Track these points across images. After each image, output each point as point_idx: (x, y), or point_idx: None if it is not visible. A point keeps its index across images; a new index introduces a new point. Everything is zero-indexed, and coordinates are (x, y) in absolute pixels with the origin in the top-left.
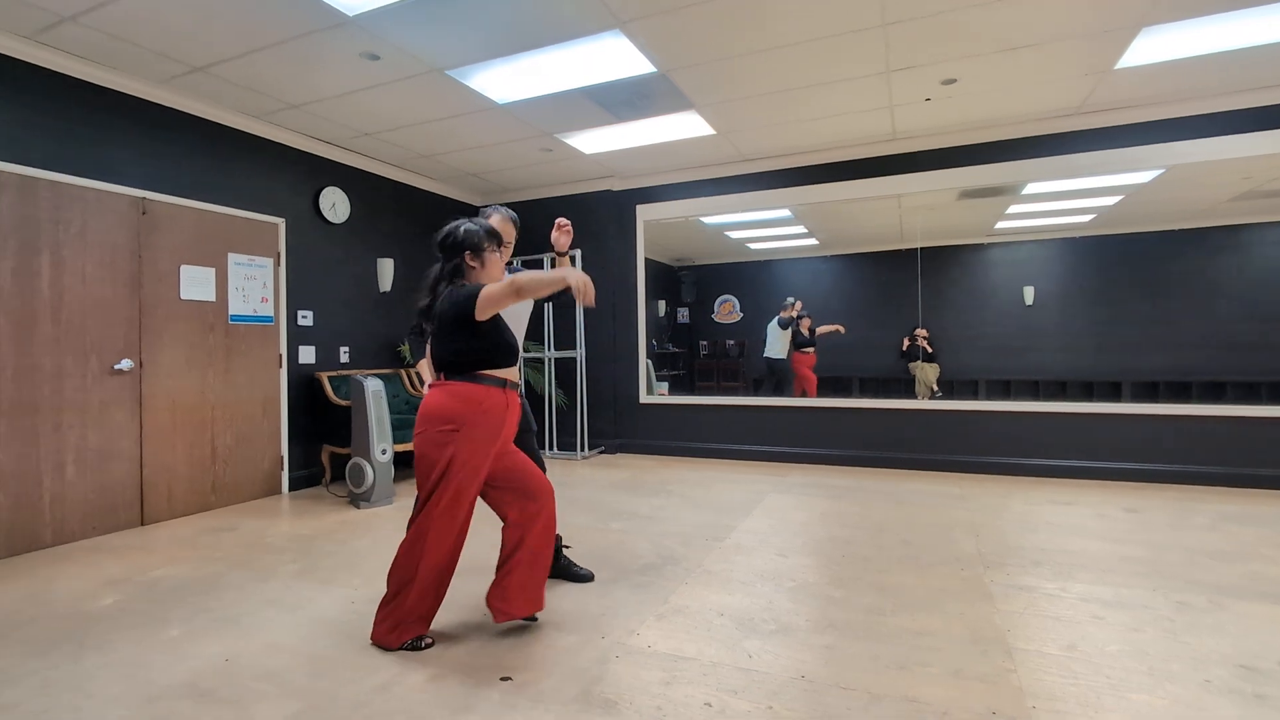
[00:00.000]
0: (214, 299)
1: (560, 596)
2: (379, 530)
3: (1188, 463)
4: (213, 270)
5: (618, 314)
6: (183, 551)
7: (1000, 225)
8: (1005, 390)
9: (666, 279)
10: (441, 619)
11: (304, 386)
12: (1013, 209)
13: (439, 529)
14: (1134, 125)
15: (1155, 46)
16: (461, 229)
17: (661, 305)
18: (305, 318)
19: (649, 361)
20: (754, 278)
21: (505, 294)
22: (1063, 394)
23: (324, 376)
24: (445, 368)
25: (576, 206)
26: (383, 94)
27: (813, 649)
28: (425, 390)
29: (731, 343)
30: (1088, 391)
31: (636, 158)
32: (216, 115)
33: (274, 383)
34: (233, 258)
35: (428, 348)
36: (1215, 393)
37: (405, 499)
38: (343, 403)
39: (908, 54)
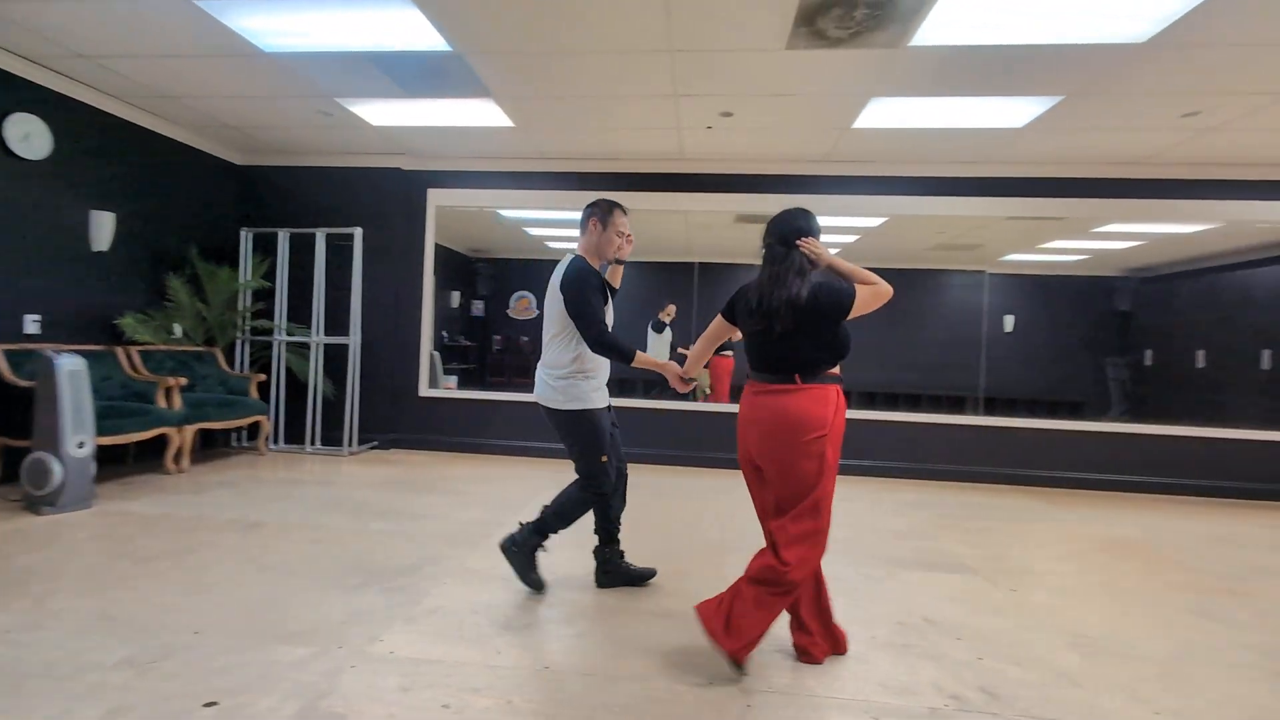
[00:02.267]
0: None
1: (298, 606)
2: (65, 540)
3: (887, 459)
4: None
5: (401, 301)
6: None
7: None
8: None
9: (462, 269)
10: (146, 641)
11: None
12: None
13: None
14: (867, 177)
15: (881, 114)
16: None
17: (455, 296)
18: None
19: (436, 353)
20: (550, 276)
21: (880, 295)
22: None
23: None
24: (802, 368)
25: (360, 181)
26: (107, 10)
27: (562, 639)
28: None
29: (526, 339)
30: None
31: (430, 138)
32: None
33: None
34: None
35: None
36: (913, 402)
37: (107, 502)
38: (24, 384)
39: (691, 82)
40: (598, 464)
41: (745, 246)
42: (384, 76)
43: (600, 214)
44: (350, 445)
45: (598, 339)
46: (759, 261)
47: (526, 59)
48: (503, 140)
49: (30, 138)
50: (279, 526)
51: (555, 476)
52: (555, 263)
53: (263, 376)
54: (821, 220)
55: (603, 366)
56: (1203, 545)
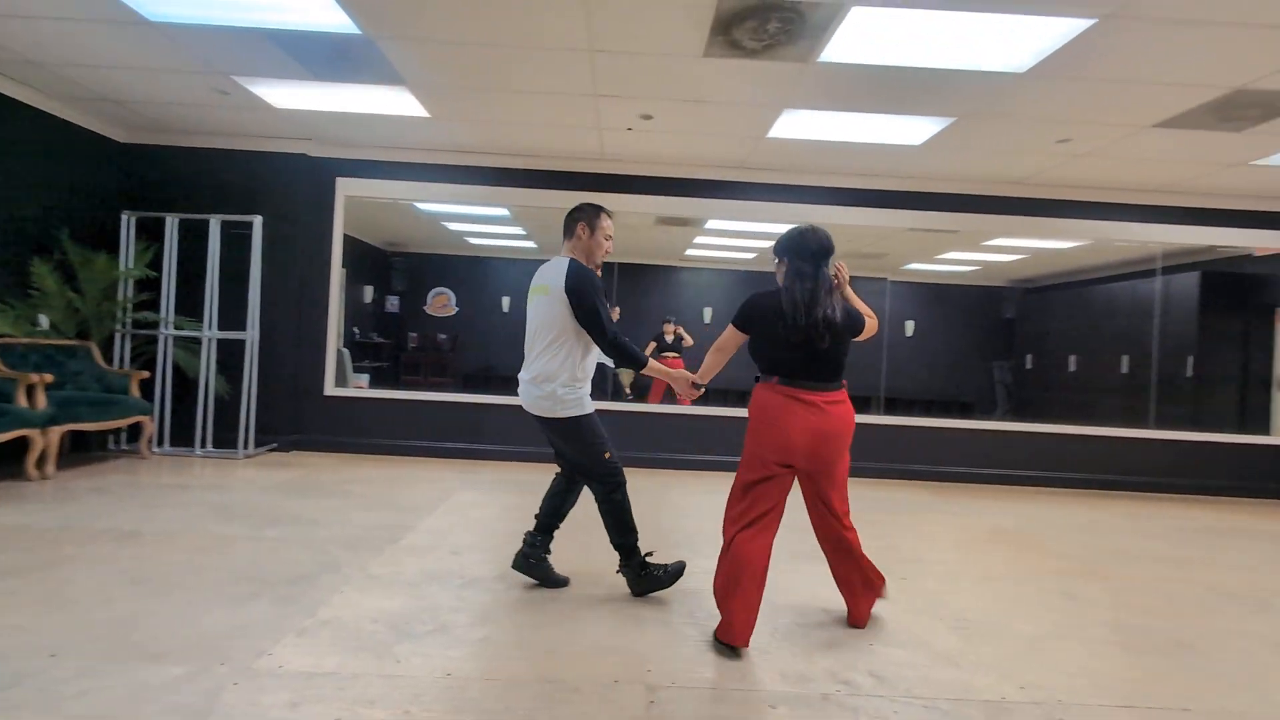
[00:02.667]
0: None
1: (175, 621)
2: None
3: None
4: None
5: (306, 295)
6: None
7: (689, 252)
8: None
9: (377, 263)
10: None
11: None
12: (698, 239)
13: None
14: (779, 185)
15: (793, 125)
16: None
17: (368, 291)
18: None
19: (345, 350)
20: (472, 273)
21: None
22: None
23: None
24: (841, 378)
25: (262, 166)
26: None
27: (466, 644)
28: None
29: (444, 337)
30: (740, 399)
31: (340, 124)
32: None
33: None
34: None
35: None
36: None
37: None
38: None
39: (611, 83)
40: (605, 460)
41: (666, 248)
42: (287, 57)
43: (588, 218)
44: (246, 447)
45: (614, 342)
46: (680, 264)
47: (443, 48)
48: (418, 131)
49: None
50: (159, 536)
51: (462, 477)
52: (479, 259)
53: (146, 374)
54: (738, 225)
55: (592, 371)
56: (1069, 533)
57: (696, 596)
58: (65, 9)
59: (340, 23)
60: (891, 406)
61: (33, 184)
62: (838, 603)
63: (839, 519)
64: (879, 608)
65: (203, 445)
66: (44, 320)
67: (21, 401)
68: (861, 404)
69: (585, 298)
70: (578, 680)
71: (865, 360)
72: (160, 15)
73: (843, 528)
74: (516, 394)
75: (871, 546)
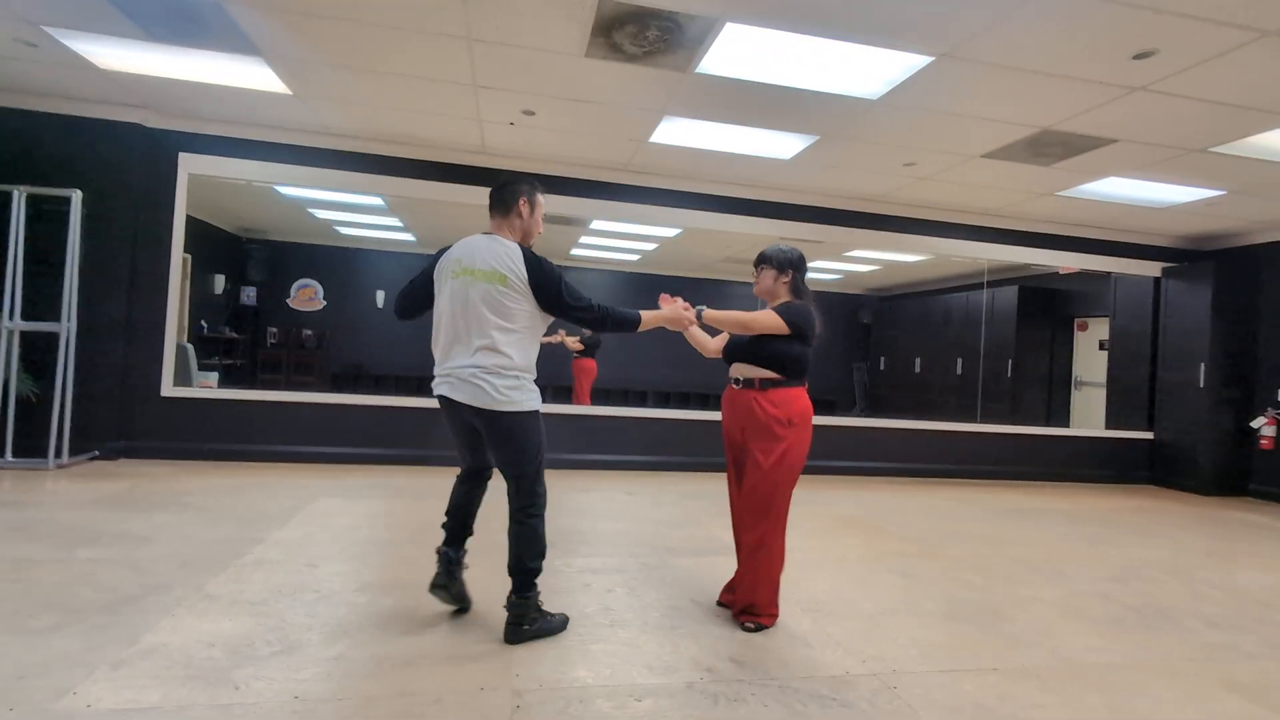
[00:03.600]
0: None
1: None
2: None
3: (672, 453)
4: None
5: (139, 283)
6: None
7: (574, 252)
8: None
9: (230, 251)
10: None
11: None
12: (584, 239)
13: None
14: (663, 190)
15: (673, 132)
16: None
17: (219, 281)
18: None
19: (188, 346)
20: (342, 264)
21: None
22: (606, 401)
23: None
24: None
25: (85, 134)
26: None
27: (317, 663)
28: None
29: (309, 333)
30: (623, 399)
31: (185, 94)
32: None
33: None
34: None
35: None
36: (683, 400)
37: None
38: None
39: (491, 75)
40: (540, 471)
41: (550, 248)
42: (115, 11)
43: (530, 194)
44: (59, 456)
45: (604, 316)
46: (566, 264)
47: (305, 20)
48: (279, 108)
49: None
50: None
51: (325, 483)
52: (351, 250)
53: None
54: (622, 227)
55: None
56: (910, 517)
57: (557, 595)
58: None
59: None
60: None
61: None
62: (707, 593)
63: None
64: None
65: (1, 454)
66: None
67: None
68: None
69: (558, 282)
70: (442, 691)
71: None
72: None
73: None
74: (382, 393)
75: (729, 538)
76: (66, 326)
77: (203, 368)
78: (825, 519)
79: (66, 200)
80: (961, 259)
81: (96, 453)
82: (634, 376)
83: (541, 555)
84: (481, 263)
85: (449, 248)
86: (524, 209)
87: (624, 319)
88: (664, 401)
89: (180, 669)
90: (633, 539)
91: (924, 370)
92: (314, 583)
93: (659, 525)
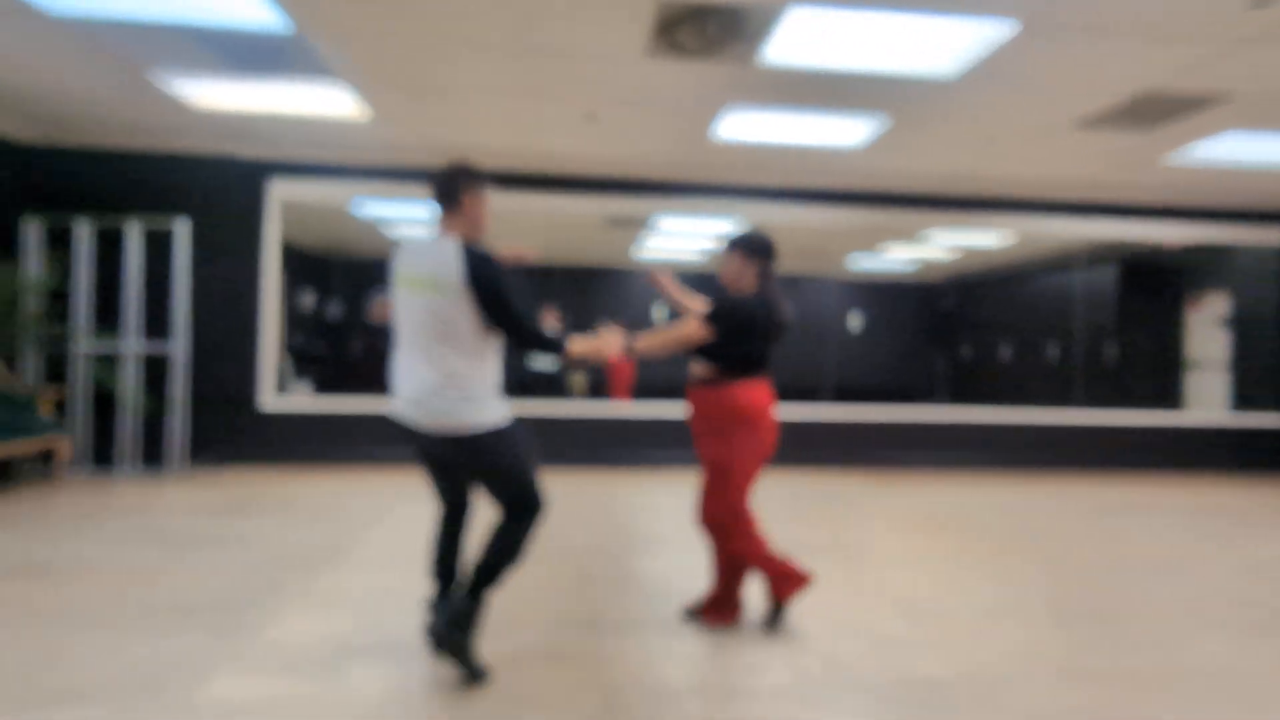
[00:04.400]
0: None
1: (93, 657)
2: None
3: None
4: None
5: (239, 302)
6: None
7: (639, 255)
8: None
9: (317, 269)
10: None
11: None
12: (648, 241)
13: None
14: (727, 186)
15: (737, 126)
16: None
17: (309, 298)
18: None
19: (286, 361)
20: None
21: None
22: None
23: None
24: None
25: (186, 169)
26: None
27: (419, 660)
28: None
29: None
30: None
31: (272, 125)
32: None
33: None
34: None
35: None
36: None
37: None
38: None
39: (555, 83)
40: (533, 480)
41: (613, 250)
42: (209, 54)
43: (473, 183)
44: (176, 466)
45: (533, 334)
46: (628, 267)
47: (380, 45)
48: (356, 132)
49: None
50: (73, 567)
51: (414, 488)
52: None
53: (57, 393)
54: (687, 224)
55: None
56: (1003, 515)
57: (665, 596)
58: None
59: (268, 19)
60: (838, 399)
61: None
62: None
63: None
64: (829, 594)
65: (127, 465)
66: None
67: None
68: (810, 396)
69: (498, 286)
70: (537, 689)
71: (811, 356)
72: (66, 10)
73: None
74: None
75: (817, 539)
76: (179, 346)
77: (297, 380)
78: (912, 516)
79: (171, 230)
80: (1052, 238)
81: (208, 461)
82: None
83: (511, 567)
84: (417, 269)
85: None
86: (469, 200)
87: (553, 342)
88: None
89: (297, 663)
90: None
91: (1012, 357)
92: (409, 583)
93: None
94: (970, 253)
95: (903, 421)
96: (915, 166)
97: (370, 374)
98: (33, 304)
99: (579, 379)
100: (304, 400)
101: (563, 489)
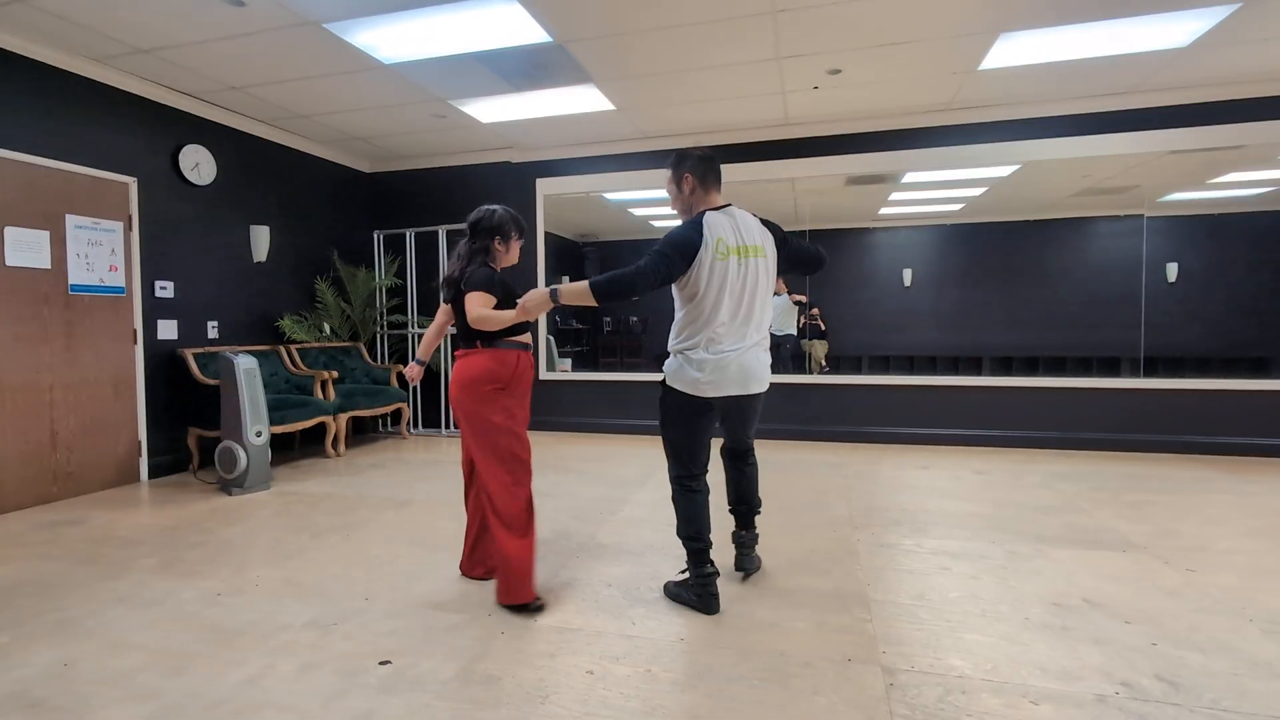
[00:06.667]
0: (48, 266)
1: (448, 577)
2: (253, 517)
3: (1029, 428)
4: (46, 234)
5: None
6: (11, 550)
7: (883, 211)
8: (885, 365)
9: (570, 255)
10: (326, 606)
11: (165, 364)
12: (894, 196)
13: (493, 476)
14: (996, 123)
15: (1012, 51)
16: (495, 214)
17: (565, 281)
18: (165, 289)
19: (550, 338)
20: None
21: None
22: (933, 368)
23: (189, 353)
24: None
25: (474, 177)
26: (250, 44)
27: (693, 613)
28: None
29: (635, 319)
30: (953, 366)
31: (536, 129)
32: (47, 56)
33: (128, 360)
34: (72, 220)
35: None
36: (1058, 366)
37: (283, 483)
38: (211, 382)
39: (796, 42)
40: None
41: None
42: (491, 74)
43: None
44: (449, 427)
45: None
46: (873, 224)
47: (625, 39)
48: (604, 124)
49: (199, 166)
50: (425, 504)
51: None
52: (657, 242)
53: (401, 367)
54: (942, 175)
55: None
56: None
57: (915, 576)
58: (324, 67)
59: (536, 35)
60: (1152, 367)
61: (311, 216)
62: (1103, 593)
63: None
64: (1157, 600)
65: (447, 426)
66: (326, 327)
67: (318, 394)
68: (1110, 366)
69: (792, 239)
70: (807, 655)
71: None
72: (393, 59)
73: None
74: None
75: (1144, 533)
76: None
77: (560, 355)
78: (1271, 514)
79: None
80: None
81: None
82: (963, 341)
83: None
84: (747, 238)
85: (699, 223)
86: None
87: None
88: (1005, 368)
89: (590, 602)
90: (993, 523)
91: None
92: (675, 542)
93: (1023, 509)
94: None
95: (1250, 391)
96: (1273, 59)
97: (620, 348)
98: (382, 298)
99: (819, 346)
100: (567, 373)
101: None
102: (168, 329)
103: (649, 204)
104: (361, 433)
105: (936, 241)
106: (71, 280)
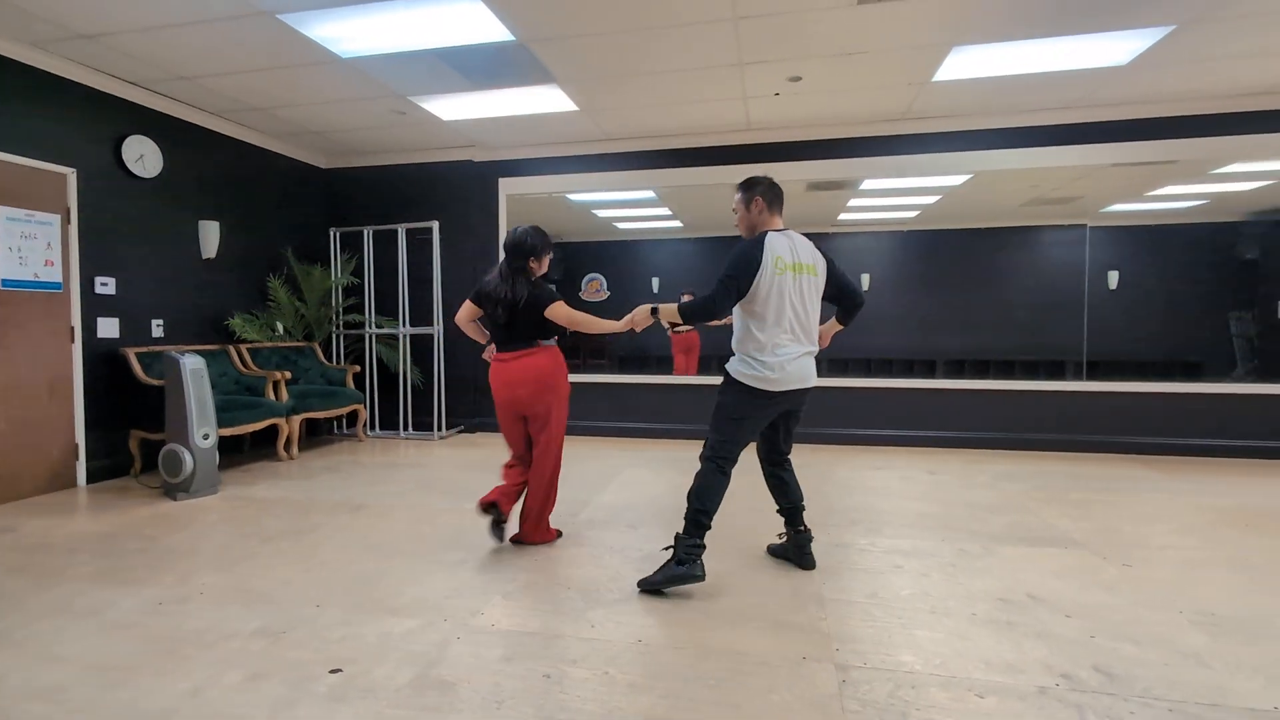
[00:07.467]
0: None
1: (404, 581)
2: (199, 522)
3: (979, 429)
4: None
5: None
6: None
7: (842, 217)
8: (844, 368)
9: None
10: (275, 613)
11: (106, 364)
12: (853, 202)
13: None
14: (949, 133)
15: (964, 64)
16: (529, 240)
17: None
18: (105, 285)
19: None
20: (620, 257)
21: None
22: (890, 371)
23: (131, 353)
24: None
25: (435, 176)
26: (201, 33)
27: (653, 614)
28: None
29: None
30: (909, 369)
31: (499, 128)
32: None
33: (64, 359)
34: (4, 211)
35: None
36: (1007, 369)
37: (231, 488)
38: (155, 382)
39: (757, 49)
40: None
41: (818, 214)
42: (452, 71)
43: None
44: (440, 430)
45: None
46: (833, 229)
47: (586, 40)
48: (568, 125)
49: (144, 158)
50: (381, 507)
51: (628, 455)
52: (627, 244)
53: (358, 368)
54: (899, 183)
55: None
56: None
57: (869, 575)
58: (280, 59)
59: (498, 34)
60: (1094, 370)
61: (264, 212)
62: (1046, 589)
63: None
64: (1096, 595)
65: (405, 429)
66: (279, 326)
67: (270, 395)
68: (1055, 370)
69: (840, 269)
70: (764, 654)
71: (1059, 321)
72: (350, 52)
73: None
74: (670, 374)
75: (1085, 530)
76: (437, 329)
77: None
78: (1209, 511)
79: (429, 230)
80: None
81: (462, 426)
82: (918, 345)
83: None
84: (803, 256)
85: (760, 243)
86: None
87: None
88: (958, 371)
89: (549, 604)
90: (943, 522)
91: None
92: (636, 543)
93: (972, 508)
94: None
95: (1186, 395)
96: (1206, 81)
97: (583, 348)
98: (338, 298)
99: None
100: None
101: None
102: (109, 327)
103: (612, 205)
104: (315, 434)
105: (893, 247)
106: (3, 275)
